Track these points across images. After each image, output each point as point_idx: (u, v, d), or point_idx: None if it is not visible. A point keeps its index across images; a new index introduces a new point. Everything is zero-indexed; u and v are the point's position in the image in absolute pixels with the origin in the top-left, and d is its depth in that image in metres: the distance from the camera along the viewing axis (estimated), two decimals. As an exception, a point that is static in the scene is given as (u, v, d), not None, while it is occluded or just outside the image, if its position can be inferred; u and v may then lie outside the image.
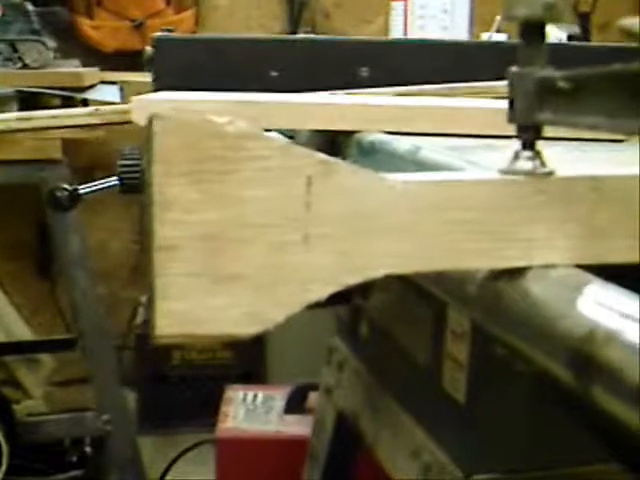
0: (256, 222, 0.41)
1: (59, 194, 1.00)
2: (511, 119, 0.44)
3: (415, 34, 1.13)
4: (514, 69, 0.44)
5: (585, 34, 2.00)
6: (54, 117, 0.91)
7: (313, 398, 1.63)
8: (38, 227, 2.35)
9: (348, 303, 1.17)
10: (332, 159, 0.41)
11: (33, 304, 2.46)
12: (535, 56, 0.43)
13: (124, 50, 2.27)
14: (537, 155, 0.44)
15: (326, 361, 1.29)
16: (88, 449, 2.14)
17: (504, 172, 0.44)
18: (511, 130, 0.46)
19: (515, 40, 0.45)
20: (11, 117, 0.95)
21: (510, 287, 0.44)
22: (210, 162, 0.40)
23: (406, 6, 1.14)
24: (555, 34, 1.94)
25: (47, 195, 1.02)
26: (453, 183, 0.43)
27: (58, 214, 1.61)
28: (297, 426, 1.75)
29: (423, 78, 0.99)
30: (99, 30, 2.37)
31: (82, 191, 1.02)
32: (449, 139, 0.77)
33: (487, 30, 1.75)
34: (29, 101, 1.84)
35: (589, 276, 0.43)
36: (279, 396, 1.89)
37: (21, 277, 2.47)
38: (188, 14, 2.42)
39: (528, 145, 0.44)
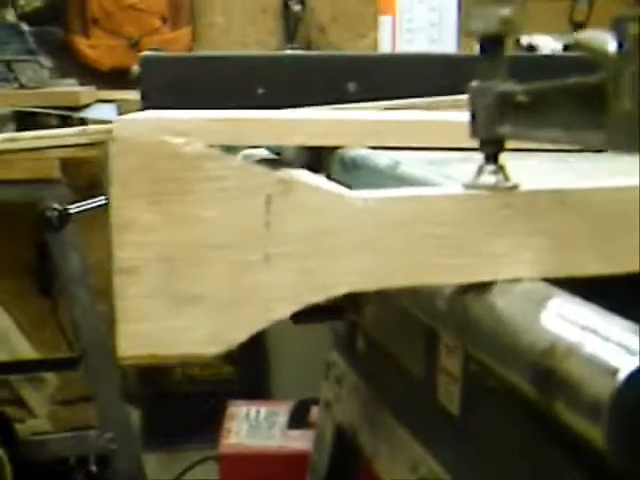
0: (216, 242, 0.40)
1: (49, 214, 1.00)
2: (473, 133, 0.44)
3: (403, 48, 1.13)
4: (474, 83, 0.43)
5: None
6: (42, 137, 0.92)
7: (315, 412, 1.63)
8: (38, 246, 2.36)
9: (342, 318, 1.17)
10: (292, 177, 0.41)
11: (35, 322, 2.46)
12: (495, 70, 0.43)
13: (120, 68, 2.28)
14: (500, 169, 0.44)
15: (324, 376, 1.29)
16: (93, 467, 2.14)
17: (468, 187, 0.44)
18: None
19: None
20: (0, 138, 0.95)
21: (476, 302, 0.44)
22: (168, 183, 0.40)
23: (394, 20, 1.14)
24: (550, 45, 1.94)
25: (38, 215, 1.02)
26: (415, 199, 0.43)
27: (54, 233, 1.62)
28: (300, 441, 1.75)
29: (411, 92, 0.99)
30: (95, 49, 2.38)
31: (72, 211, 1.03)
32: (432, 153, 0.77)
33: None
34: (26, 121, 1.84)
35: (554, 289, 0.42)
36: (282, 411, 1.89)
37: (22, 295, 2.47)
38: (184, 32, 2.43)
39: (491, 159, 0.44)
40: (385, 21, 1.15)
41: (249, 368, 2.29)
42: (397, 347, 1.00)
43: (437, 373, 0.86)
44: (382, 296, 0.90)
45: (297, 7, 2.39)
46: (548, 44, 1.89)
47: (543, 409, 0.39)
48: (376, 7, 1.35)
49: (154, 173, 0.39)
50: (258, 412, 1.88)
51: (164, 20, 2.40)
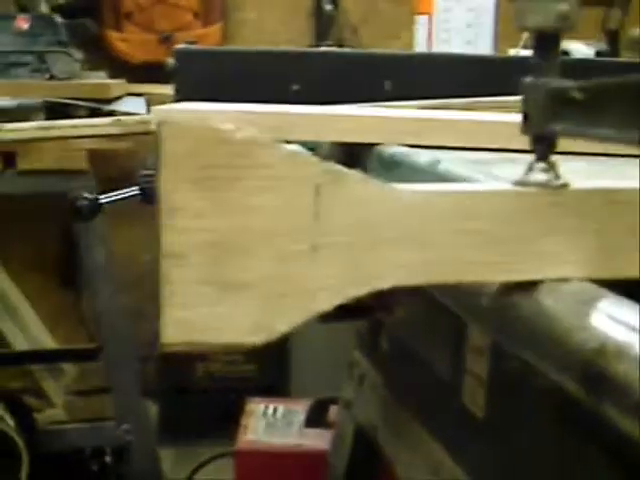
0: (263, 230, 0.40)
1: (80, 203, 1.00)
2: (524, 130, 0.43)
3: (439, 48, 1.12)
4: (527, 80, 0.43)
5: (613, 51, 1.99)
6: (74, 127, 0.91)
7: (334, 412, 1.63)
8: (63, 238, 2.37)
9: (366, 317, 1.16)
10: (341, 168, 0.41)
11: (57, 314, 2.47)
12: (549, 67, 0.42)
13: (151, 62, 2.28)
14: (551, 167, 0.44)
15: (347, 375, 1.28)
16: (108, 459, 2.15)
17: (517, 184, 0.44)
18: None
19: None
20: (32, 126, 0.95)
21: (523, 301, 0.43)
22: (217, 169, 0.39)
23: (430, 20, 1.13)
24: (583, 51, 1.93)
25: (69, 204, 1.02)
26: (463, 194, 0.42)
27: (82, 224, 1.62)
28: (317, 440, 1.74)
29: (446, 92, 0.99)
30: (128, 42, 2.38)
31: (103, 200, 1.03)
32: (472, 153, 0.76)
33: (514, 46, 1.74)
34: (56, 112, 1.85)
35: (602, 290, 0.42)
36: (300, 410, 1.89)
37: (46, 287, 2.48)
38: (215, 28, 2.43)
39: (542, 156, 0.44)
40: (421, 21, 1.15)
41: (270, 366, 2.29)
42: (423, 347, 0.99)
43: (463, 375, 0.85)
44: (414, 294, 0.90)
45: (329, 7, 2.39)
46: (580, 50, 1.88)
47: (590, 409, 0.38)
48: (411, 7, 1.35)
49: (204, 158, 0.39)
50: (276, 410, 1.87)
51: (196, 15, 2.40)
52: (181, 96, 1.03)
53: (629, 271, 0.45)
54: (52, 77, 1.90)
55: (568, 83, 0.41)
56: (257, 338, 0.41)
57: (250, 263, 0.40)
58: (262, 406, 1.91)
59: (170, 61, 1.04)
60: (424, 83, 1.03)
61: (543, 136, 0.43)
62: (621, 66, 1.14)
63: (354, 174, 0.41)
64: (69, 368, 2.46)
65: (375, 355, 1.19)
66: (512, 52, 1.78)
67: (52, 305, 2.49)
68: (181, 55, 1.03)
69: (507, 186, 0.43)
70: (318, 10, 2.42)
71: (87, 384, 2.40)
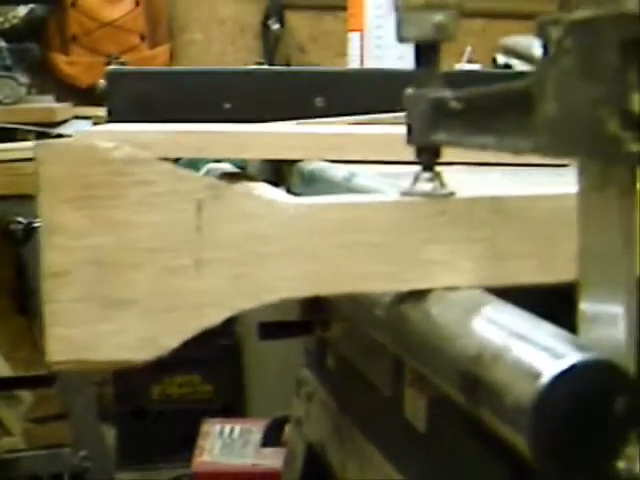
0: (146, 246, 0.40)
1: (13, 227, 1.00)
2: (409, 141, 0.44)
3: (372, 64, 1.13)
4: (409, 91, 0.43)
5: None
6: (21, 149, 0.91)
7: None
8: (15, 263, 2.35)
9: (309, 334, 1.16)
10: (223, 183, 0.41)
11: (12, 341, 2.44)
12: (430, 77, 0.43)
13: (99, 85, 2.28)
14: (437, 176, 0.44)
15: (295, 393, 1.28)
16: (67, 486, 2.13)
17: (404, 194, 0.44)
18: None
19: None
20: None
21: (411, 310, 0.44)
22: (97, 188, 0.39)
23: (362, 36, 1.14)
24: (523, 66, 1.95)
25: (1, 229, 1.02)
26: (347, 205, 0.42)
27: (26, 249, 1.61)
28: (274, 459, 1.74)
29: (378, 107, 0.99)
30: (74, 66, 2.38)
31: (37, 224, 1.02)
32: (391, 166, 0.77)
33: (458, 61, 1.75)
34: (2, 137, 1.84)
35: (488, 297, 0.42)
36: (256, 429, 1.88)
37: (0, 314, 2.46)
38: (163, 49, 2.43)
39: (427, 166, 0.44)
40: (353, 37, 1.15)
41: (226, 386, 2.28)
42: (364, 363, 0.99)
43: (404, 389, 0.85)
44: (346, 310, 0.90)
45: (276, 26, 2.40)
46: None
47: (472, 416, 0.39)
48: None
49: (83, 178, 0.39)
50: (232, 430, 1.87)
51: (142, 38, 2.40)
52: (113, 117, 1.03)
53: (520, 278, 0.45)
54: (-3, 102, 1.89)
55: (447, 93, 0.42)
56: (146, 354, 0.41)
57: (134, 279, 0.40)
58: (218, 426, 1.90)
59: (101, 82, 1.04)
60: (355, 99, 1.04)
61: (426, 146, 0.44)
62: (501, 77, 1.15)
63: (237, 188, 0.41)
64: (26, 395, 2.43)
65: (322, 372, 1.19)
66: (457, 67, 1.79)
67: (8, 332, 2.46)
68: (111, 76, 1.03)
69: (392, 197, 0.44)
70: (265, 29, 2.43)
71: (45, 411, 2.38)
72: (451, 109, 0.41)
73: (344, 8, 1.26)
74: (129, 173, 0.40)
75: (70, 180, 0.39)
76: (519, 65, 1.94)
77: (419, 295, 0.44)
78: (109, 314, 0.40)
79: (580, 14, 0.31)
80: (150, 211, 0.40)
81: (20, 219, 1.01)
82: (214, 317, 0.41)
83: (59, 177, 0.39)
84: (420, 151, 0.44)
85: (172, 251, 0.40)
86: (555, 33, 0.34)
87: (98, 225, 0.40)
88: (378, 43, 1.12)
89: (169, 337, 0.41)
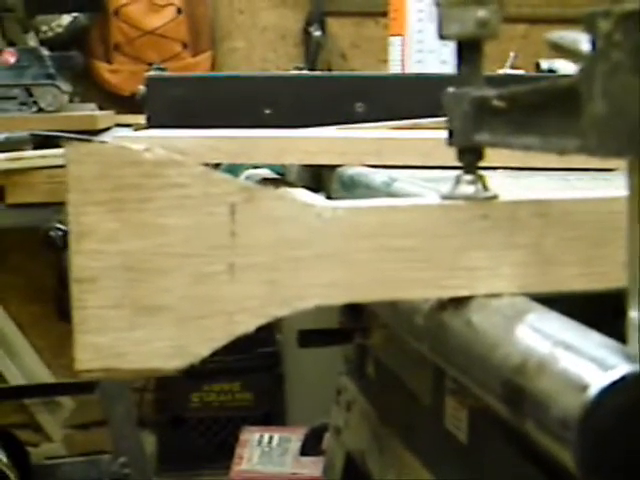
0: (178, 251, 0.39)
1: (52, 234, 1.00)
2: (450, 143, 0.42)
3: (413, 68, 1.12)
4: (450, 90, 0.42)
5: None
6: (43, 157, 0.91)
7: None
8: (59, 270, 2.36)
9: (349, 342, 1.15)
10: (256, 186, 0.40)
11: (54, 347, 2.46)
12: (471, 76, 0.41)
13: (141, 93, 2.28)
14: (479, 179, 0.43)
15: (335, 401, 1.27)
16: (106, 492, 2.13)
17: (445, 197, 0.43)
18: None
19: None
20: (21, 156, 0.95)
21: (452, 317, 0.42)
22: (128, 190, 0.38)
23: (403, 40, 1.13)
24: (569, 68, 1.92)
25: (41, 235, 1.02)
26: (387, 208, 0.41)
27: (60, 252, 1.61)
28: (312, 468, 1.73)
29: (418, 112, 0.98)
30: (117, 74, 2.39)
31: (76, 231, 1.01)
32: (430, 171, 0.75)
33: (501, 67, 1.73)
34: (45, 145, 1.85)
35: (531, 304, 0.41)
36: (295, 437, 1.87)
37: (42, 320, 2.47)
38: (205, 57, 2.43)
39: (469, 169, 0.42)
40: (394, 42, 1.14)
41: (266, 394, 2.27)
42: (405, 371, 0.98)
43: (445, 398, 0.84)
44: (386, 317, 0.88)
45: (317, 33, 2.39)
46: (567, 68, 1.87)
47: (515, 427, 0.37)
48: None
49: (113, 180, 0.38)
50: (271, 438, 1.86)
51: (185, 45, 2.41)
52: (152, 123, 1.02)
53: (564, 285, 0.43)
54: (40, 110, 1.90)
55: (490, 92, 0.40)
56: (178, 362, 0.40)
57: (165, 285, 0.39)
58: (257, 435, 1.90)
59: (140, 88, 1.04)
60: (395, 104, 1.02)
61: (468, 148, 0.42)
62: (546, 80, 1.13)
63: (271, 191, 0.40)
64: (67, 402, 2.45)
65: (362, 380, 1.18)
66: (501, 73, 1.77)
67: (50, 338, 2.48)
68: (151, 82, 1.03)
69: (432, 200, 0.42)
70: (306, 36, 2.42)
71: (86, 417, 2.39)
72: (494, 108, 0.40)
73: (385, 14, 1.24)
74: (160, 175, 0.38)
75: (100, 182, 0.38)
76: (562, 70, 1.92)
77: (460, 302, 0.42)
78: (139, 321, 0.39)
79: (632, 5, 0.29)
80: (182, 215, 0.39)
81: (59, 225, 1.00)
82: (246, 325, 0.40)
83: (88, 178, 0.38)
84: (462, 152, 0.42)
85: (205, 256, 0.39)
86: (604, 26, 0.32)
87: (129, 229, 0.38)
88: (419, 48, 1.11)
89: (200, 345, 0.40)
